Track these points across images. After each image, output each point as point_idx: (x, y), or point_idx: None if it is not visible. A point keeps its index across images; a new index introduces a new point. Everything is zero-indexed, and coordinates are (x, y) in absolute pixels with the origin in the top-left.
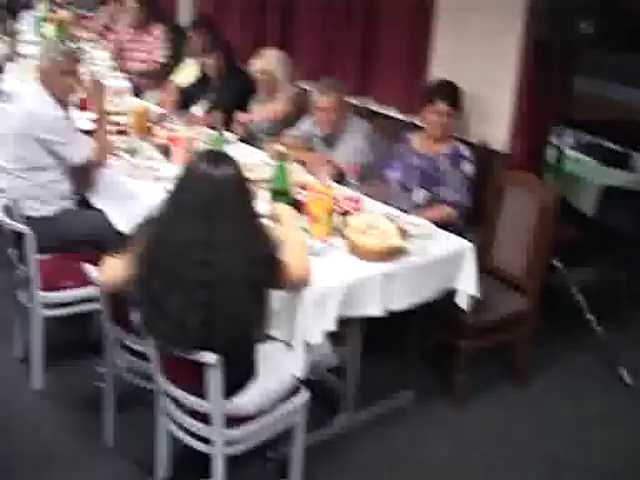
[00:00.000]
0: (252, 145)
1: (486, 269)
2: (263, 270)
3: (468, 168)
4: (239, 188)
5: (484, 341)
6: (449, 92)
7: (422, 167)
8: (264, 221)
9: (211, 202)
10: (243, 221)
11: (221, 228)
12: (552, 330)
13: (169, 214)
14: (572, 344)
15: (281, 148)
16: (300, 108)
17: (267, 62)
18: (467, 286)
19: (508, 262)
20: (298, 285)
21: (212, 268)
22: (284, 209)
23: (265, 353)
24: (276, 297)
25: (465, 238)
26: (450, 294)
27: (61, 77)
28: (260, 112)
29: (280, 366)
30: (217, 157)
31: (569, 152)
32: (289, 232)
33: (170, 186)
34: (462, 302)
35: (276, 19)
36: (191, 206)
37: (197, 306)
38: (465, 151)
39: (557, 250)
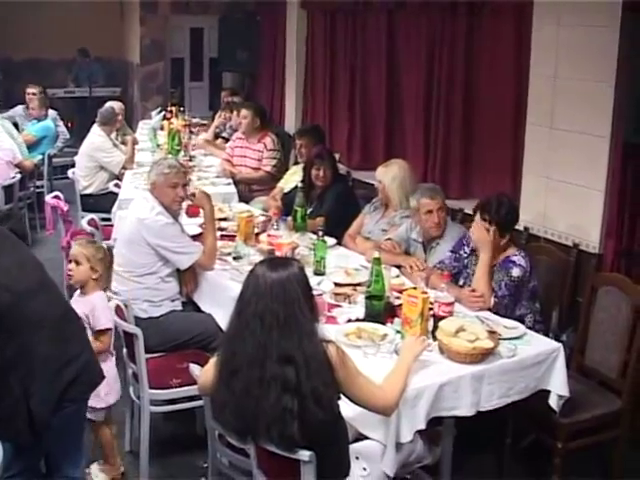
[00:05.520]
0: None
1: (580, 369)
2: (290, 369)
3: (515, 271)
4: (270, 287)
5: (579, 442)
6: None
7: None
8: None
9: (247, 296)
10: (273, 318)
11: (245, 319)
12: None
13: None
14: None
15: (376, 253)
16: None
17: (387, 172)
18: (557, 387)
19: (602, 363)
20: (382, 411)
21: (236, 356)
22: (409, 340)
23: (358, 451)
24: None
25: (559, 338)
26: (544, 394)
27: (169, 189)
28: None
29: (372, 464)
30: (273, 261)
31: None
32: (401, 362)
33: None
34: (553, 403)
35: (381, 125)
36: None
37: (234, 393)
38: (515, 257)
39: None
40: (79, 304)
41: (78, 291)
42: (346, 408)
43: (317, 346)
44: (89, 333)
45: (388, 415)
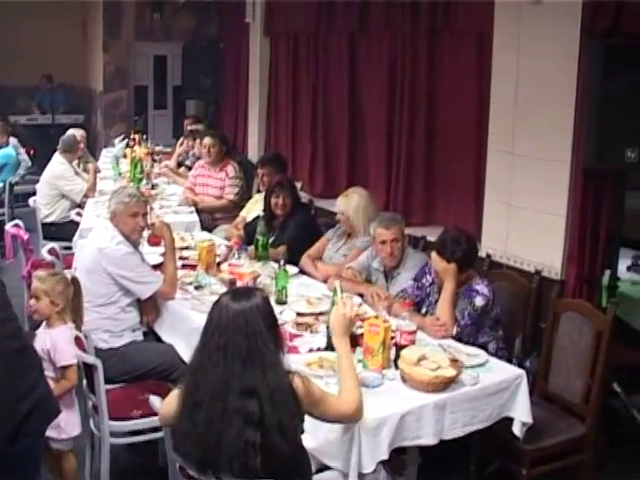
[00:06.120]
0: None
1: (544, 395)
2: (253, 402)
3: (478, 300)
4: (236, 320)
5: (543, 468)
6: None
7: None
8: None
9: (211, 328)
10: (235, 351)
11: (208, 352)
12: (615, 454)
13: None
14: (636, 468)
15: (336, 283)
16: None
17: (349, 203)
18: (521, 414)
19: (565, 388)
20: (349, 419)
21: (199, 388)
22: (334, 316)
23: None
24: (332, 427)
25: (522, 364)
26: (508, 421)
27: (129, 218)
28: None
29: None
30: (237, 292)
31: (627, 274)
32: (338, 349)
33: None
34: (517, 430)
35: (343, 152)
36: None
37: (197, 425)
38: (478, 286)
39: (617, 374)
40: (43, 337)
41: (44, 323)
42: (308, 439)
43: (282, 378)
44: (51, 369)
45: (357, 418)
